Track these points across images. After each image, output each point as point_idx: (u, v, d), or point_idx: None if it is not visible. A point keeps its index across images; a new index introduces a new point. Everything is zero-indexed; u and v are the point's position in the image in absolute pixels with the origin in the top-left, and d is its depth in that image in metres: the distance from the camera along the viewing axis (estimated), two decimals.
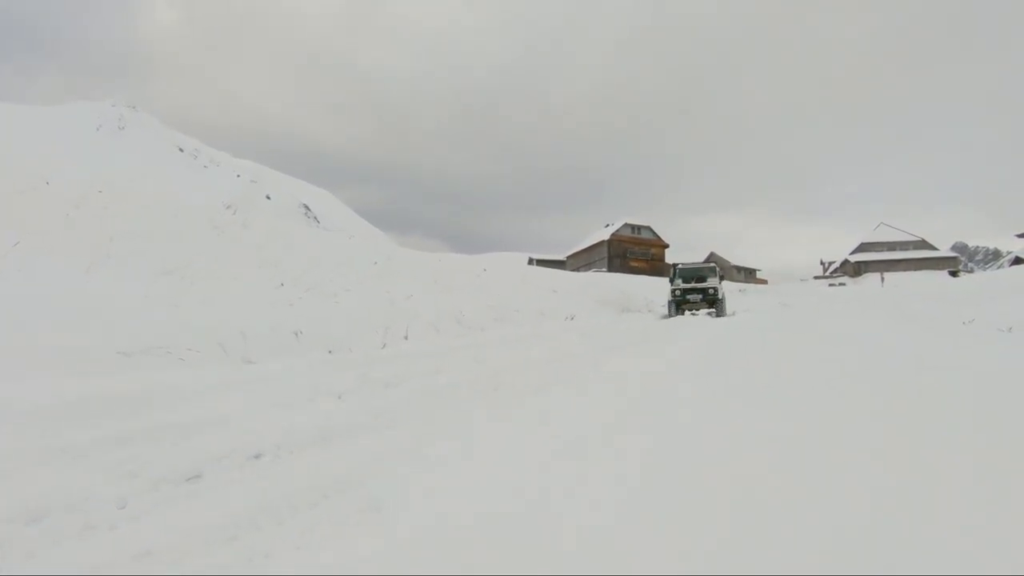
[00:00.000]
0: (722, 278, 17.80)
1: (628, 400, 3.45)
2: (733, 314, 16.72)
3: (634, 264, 51.55)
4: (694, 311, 16.49)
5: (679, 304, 16.48)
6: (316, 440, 2.73)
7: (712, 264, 18.17)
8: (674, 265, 18.33)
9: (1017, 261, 51.28)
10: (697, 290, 16.56)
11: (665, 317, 15.78)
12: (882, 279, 45.13)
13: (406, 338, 6.50)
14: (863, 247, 63.22)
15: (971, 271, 65.06)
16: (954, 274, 50.12)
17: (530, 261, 56.05)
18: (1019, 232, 45.04)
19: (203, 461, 2.37)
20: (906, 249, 61.20)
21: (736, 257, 65.51)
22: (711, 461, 2.09)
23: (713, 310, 16.34)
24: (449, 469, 2.25)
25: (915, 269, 56.06)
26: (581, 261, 57.52)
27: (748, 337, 7.01)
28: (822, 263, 72.19)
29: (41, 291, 4.31)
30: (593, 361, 5.49)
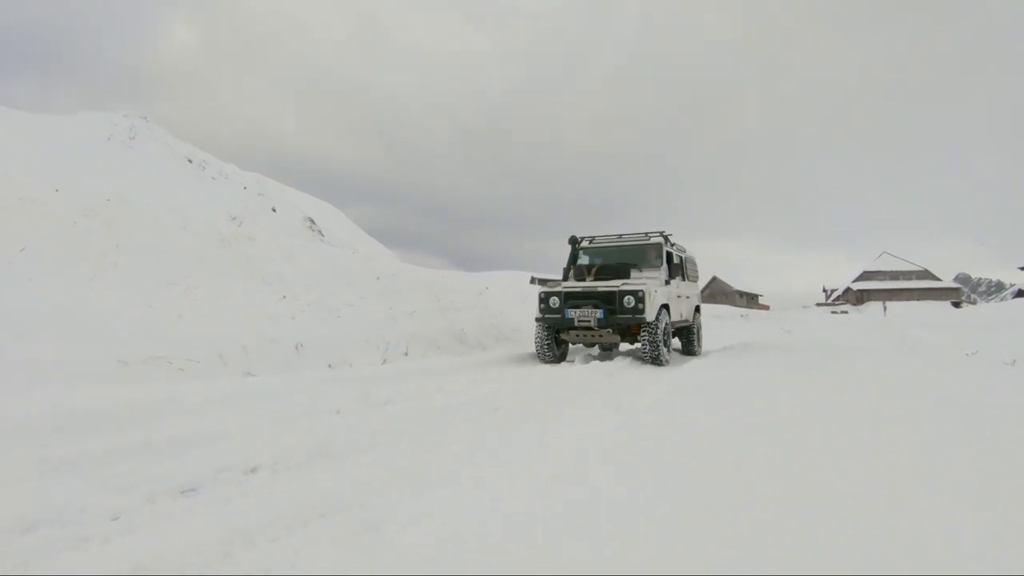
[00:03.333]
0: (674, 269, 8.38)
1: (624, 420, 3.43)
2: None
3: None
4: (588, 345, 8.29)
5: (556, 330, 7.48)
6: (314, 457, 2.71)
7: (655, 240, 8.26)
8: (575, 240, 8.65)
9: (1020, 294, 51.20)
10: (595, 296, 7.20)
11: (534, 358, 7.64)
12: (884, 308, 45.03)
13: (406, 354, 6.48)
14: (865, 275, 63.27)
15: (974, 303, 64.92)
16: (957, 305, 50.06)
17: (532, 280, 56.02)
18: (1022, 264, 45.10)
19: (199, 475, 2.35)
20: (909, 279, 61.26)
21: (740, 282, 65.58)
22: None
23: (638, 345, 7.34)
24: (448, 490, 2.23)
25: (918, 299, 56.01)
26: None
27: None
28: (825, 290, 72.18)
29: (42, 300, 4.31)
30: (592, 386, 5.46)
